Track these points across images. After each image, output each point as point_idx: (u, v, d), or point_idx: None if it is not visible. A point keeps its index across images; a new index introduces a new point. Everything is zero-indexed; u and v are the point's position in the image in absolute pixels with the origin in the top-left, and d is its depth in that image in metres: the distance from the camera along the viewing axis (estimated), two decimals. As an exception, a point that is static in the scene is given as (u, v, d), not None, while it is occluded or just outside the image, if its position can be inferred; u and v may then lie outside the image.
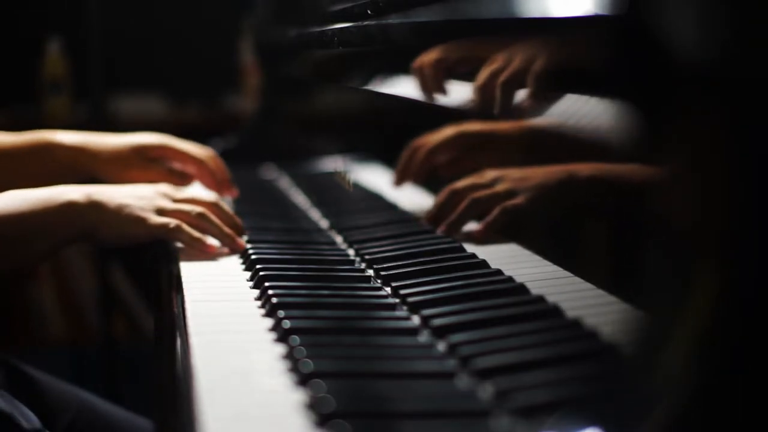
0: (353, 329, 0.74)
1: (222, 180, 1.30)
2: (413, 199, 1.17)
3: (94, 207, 0.99)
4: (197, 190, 1.23)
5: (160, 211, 1.01)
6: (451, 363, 0.64)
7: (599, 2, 0.60)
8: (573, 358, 0.63)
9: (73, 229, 1.00)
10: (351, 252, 1.01)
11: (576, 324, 0.68)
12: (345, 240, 1.06)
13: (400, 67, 1.13)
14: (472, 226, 0.99)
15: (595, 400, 0.46)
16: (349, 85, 1.42)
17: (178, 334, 0.75)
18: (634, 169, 0.65)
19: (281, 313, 0.73)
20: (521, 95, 0.82)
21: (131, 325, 2.49)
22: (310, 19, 1.43)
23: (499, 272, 0.84)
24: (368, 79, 1.27)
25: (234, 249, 1.00)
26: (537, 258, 0.88)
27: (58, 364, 2.33)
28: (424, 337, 0.70)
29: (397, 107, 1.23)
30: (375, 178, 1.32)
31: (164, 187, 1.07)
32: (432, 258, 0.90)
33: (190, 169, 1.29)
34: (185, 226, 1.00)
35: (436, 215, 1.03)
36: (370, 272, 0.91)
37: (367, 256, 0.95)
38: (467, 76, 0.93)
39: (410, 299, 0.78)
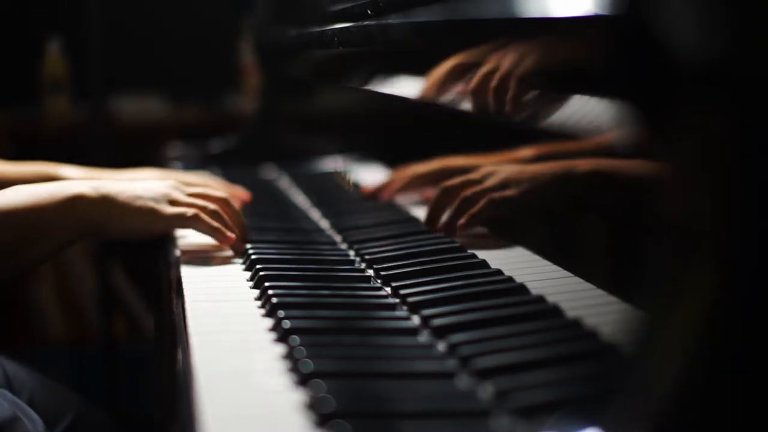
0: (353, 329, 0.74)
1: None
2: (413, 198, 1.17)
3: (104, 199, 0.96)
4: (208, 184, 1.20)
5: (174, 203, 1.00)
6: (451, 363, 0.64)
7: (599, 2, 0.60)
8: (573, 358, 0.63)
9: (83, 223, 0.97)
10: (351, 252, 1.01)
11: (576, 324, 0.68)
12: (345, 240, 1.06)
13: (400, 67, 1.13)
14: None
15: (595, 400, 0.46)
16: (349, 85, 1.42)
17: (178, 334, 0.75)
18: (633, 166, 0.65)
19: (281, 313, 0.73)
20: (521, 96, 0.82)
21: (131, 325, 2.49)
22: (310, 19, 1.43)
23: (499, 272, 0.84)
24: (368, 79, 1.27)
25: (237, 250, 1.00)
26: (537, 258, 0.88)
27: (58, 364, 2.33)
28: (424, 337, 0.70)
29: (397, 107, 1.23)
30: (375, 178, 1.32)
31: (174, 181, 1.06)
32: (432, 258, 0.90)
33: None
34: (203, 215, 0.98)
35: (430, 215, 1.03)
36: (370, 272, 0.91)
37: (367, 256, 0.95)
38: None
39: (410, 299, 0.78)
